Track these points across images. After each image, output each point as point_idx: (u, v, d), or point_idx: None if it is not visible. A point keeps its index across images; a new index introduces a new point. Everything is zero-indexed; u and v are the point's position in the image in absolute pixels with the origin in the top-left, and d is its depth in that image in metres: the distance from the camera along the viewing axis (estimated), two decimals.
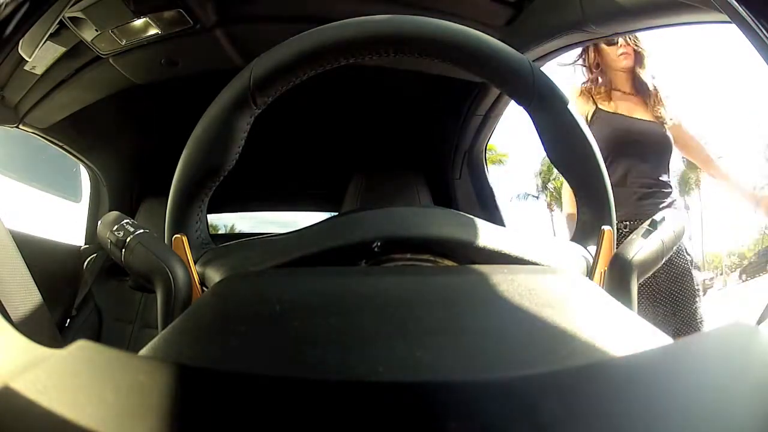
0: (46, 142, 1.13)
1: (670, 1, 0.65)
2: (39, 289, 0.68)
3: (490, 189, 1.36)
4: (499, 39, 0.33)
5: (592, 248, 0.34)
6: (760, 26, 0.29)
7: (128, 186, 1.33)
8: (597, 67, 1.16)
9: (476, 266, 0.26)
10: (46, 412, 0.11)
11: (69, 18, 0.83)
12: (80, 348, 0.14)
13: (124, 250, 0.31)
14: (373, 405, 0.12)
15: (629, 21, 0.74)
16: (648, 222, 0.34)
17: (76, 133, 1.16)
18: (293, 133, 1.24)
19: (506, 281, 0.22)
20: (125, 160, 1.31)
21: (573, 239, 0.35)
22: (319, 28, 0.32)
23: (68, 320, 1.11)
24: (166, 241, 0.32)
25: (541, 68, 0.34)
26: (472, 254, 0.30)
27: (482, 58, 0.32)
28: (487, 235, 0.30)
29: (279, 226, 1.73)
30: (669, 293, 1.07)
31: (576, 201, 0.36)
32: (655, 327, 0.20)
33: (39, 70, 0.93)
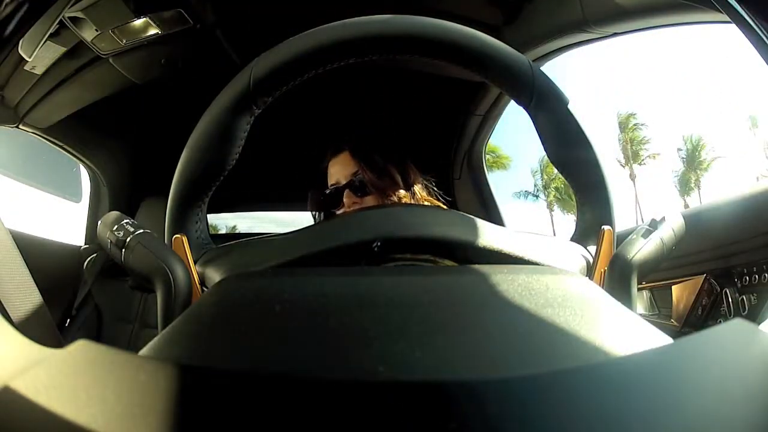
0: (46, 142, 1.13)
1: (670, 1, 0.65)
2: (39, 289, 0.68)
3: (490, 189, 1.36)
4: (499, 39, 0.33)
5: (592, 248, 0.34)
6: (760, 26, 0.29)
7: (128, 186, 1.33)
8: None
9: (476, 266, 0.26)
10: (46, 412, 0.11)
11: (69, 18, 0.83)
12: (80, 348, 0.14)
13: (124, 250, 0.31)
14: (374, 405, 0.12)
15: (629, 21, 0.74)
16: (648, 222, 0.34)
17: (76, 133, 1.16)
18: (293, 132, 1.24)
19: (506, 281, 0.22)
20: (125, 160, 1.31)
21: (573, 239, 0.35)
22: (318, 28, 0.32)
23: (68, 320, 1.11)
24: (166, 241, 0.32)
25: (541, 68, 0.34)
26: (472, 254, 0.30)
27: (482, 57, 0.32)
28: (487, 235, 0.30)
29: (279, 226, 1.73)
30: None
31: (576, 200, 0.36)
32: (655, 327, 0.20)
33: (39, 70, 0.93)
